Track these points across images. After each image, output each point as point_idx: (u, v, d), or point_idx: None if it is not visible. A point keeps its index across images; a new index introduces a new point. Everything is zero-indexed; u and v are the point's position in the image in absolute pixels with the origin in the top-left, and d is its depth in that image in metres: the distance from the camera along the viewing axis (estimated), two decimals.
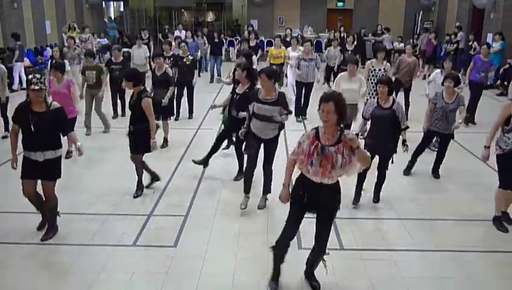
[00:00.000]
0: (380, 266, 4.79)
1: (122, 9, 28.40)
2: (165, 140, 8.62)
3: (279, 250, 4.28)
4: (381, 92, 5.95)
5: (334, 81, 13.67)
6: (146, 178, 6.64)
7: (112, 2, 28.04)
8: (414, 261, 4.88)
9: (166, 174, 7.07)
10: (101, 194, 6.48)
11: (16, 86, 13.70)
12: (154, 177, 6.70)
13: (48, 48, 17.35)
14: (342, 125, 3.93)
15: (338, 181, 4.04)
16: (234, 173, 7.22)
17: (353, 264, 4.79)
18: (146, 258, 4.87)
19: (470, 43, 16.06)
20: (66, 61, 10.47)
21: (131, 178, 6.98)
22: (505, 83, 13.89)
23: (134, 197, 6.33)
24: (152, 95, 7.87)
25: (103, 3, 25.24)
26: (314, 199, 4.03)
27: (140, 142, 6.24)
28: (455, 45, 16.88)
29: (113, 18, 26.59)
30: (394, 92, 10.20)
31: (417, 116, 9.46)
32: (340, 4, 23.32)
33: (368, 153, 4.02)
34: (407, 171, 7.32)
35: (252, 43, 13.77)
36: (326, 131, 3.94)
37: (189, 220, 5.72)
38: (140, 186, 6.48)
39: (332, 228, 5.46)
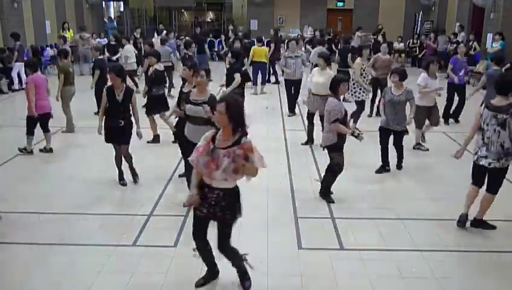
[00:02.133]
0: (380, 266, 4.78)
1: (122, 9, 28.42)
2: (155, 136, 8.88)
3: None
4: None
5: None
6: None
7: (111, 2, 28.06)
8: (414, 261, 4.87)
9: (166, 174, 7.06)
10: (101, 194, 6.48)
11: (16, 86, 13.71)
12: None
13: (48, 48, 17.37)
14: (242, 129, 3.83)
15: (235, 187, 3.99)
16: None
17: (353, 264, 4.79)
18: (146, 258, 4.87)
19: (470, 43, 16.07)
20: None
21: (131, 178, 6.99)
22: None
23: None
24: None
25: (103, 3, 25.25)
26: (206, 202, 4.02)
27: None
28: (455, 45, 16.88)
29: (113, 18, 26.60)
30: (371, 90, 10.35)
31: None
32: (340, 4, 23.34)
33: (259, 166, 3.87)
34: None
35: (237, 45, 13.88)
36: (222, 132, 3.90)
37: (189, 220, 5.70)
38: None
39: (332, 227, 5.52)
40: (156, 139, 8.82)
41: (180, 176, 6.91)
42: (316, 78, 8.38)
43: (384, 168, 7.31)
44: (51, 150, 8.19)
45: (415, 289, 4.41)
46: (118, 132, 6.49)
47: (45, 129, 8.15)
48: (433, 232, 5.53)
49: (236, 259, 4.29)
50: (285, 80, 10.97)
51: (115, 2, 28.55)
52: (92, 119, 10.25)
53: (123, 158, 6.74)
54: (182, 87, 6.67)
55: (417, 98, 7.88)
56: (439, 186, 6.88)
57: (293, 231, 5.46)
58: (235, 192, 4.04)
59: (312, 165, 7.60)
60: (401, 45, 19.11)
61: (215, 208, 3.98)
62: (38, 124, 8.02)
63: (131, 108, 6.54)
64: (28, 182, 6.92)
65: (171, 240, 5.21)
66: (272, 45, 15.41)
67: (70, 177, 7.25)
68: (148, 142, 8.61)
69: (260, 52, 13.35)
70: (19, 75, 13.82)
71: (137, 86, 13.45)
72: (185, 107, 5.79)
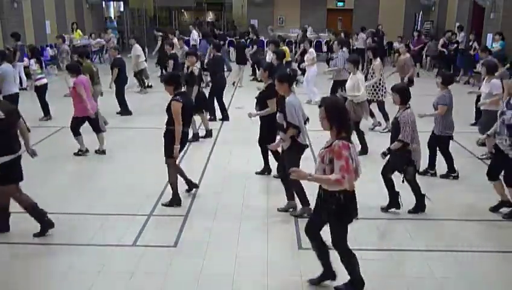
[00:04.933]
0: (380, 266, 4.79)
1: (122, 9, 28.41)
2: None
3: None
4: (393, 99, 5.90)
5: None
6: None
7: (111, 2, 28.05)
8: (414, 261, 4.88)
9: (166, 175, 7.06)
10: (101, 194, 6.48)
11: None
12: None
13: (48, 48, 17.38)
14: (344, 134, 3.82)
15: (334, 191, 3.84)
16: (234, 173, 7.24)
17: None
18: (146, 258, 4.87)
19: (471, 43, 16.08)
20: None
21: (131, 178, 7.01)
22: None
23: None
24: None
25: (103, 3, 25.24)
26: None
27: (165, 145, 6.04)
28: (455, 45, 16.89)
29: (113, 18, 26.60)
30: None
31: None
32: (340, 4, 23.34)
33: (333, 178, 3.73)
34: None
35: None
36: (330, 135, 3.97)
37: (189, 220, 5.73)
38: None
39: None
40: (208, 134, 9.06)
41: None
42: (347, 83, 8.33)
43: (427, 171, 7.22)
44: (104, 152, 8.13)
45: (415, 289, 4.41)
46: None
47: (97, 130, 8.14)
48: (433, 232, 5.53)
49: (348, 259, 4.20)
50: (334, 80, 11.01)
51: (115, 2, 28.54)
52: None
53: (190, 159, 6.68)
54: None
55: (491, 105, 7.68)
56: (439, 186, 6.88)
57: (293, 231, 5.45)
58: (334, 197, 3.87)
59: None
60: (401, 45, 19.07)
61: (319, 208, 4.08)
62: (90, 126, 8.06)
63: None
64: (26, 183, 6.90)
65: (171, 240, 5.21)
66: (302, 45, 15.20)
67: (70, 177, 7.26)
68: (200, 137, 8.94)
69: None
70: (19, 75, 13.82)
71: (145, 86, 13.47)
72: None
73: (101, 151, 8.11)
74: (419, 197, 5.93)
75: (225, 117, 10.44)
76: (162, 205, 6.11)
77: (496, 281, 4.58)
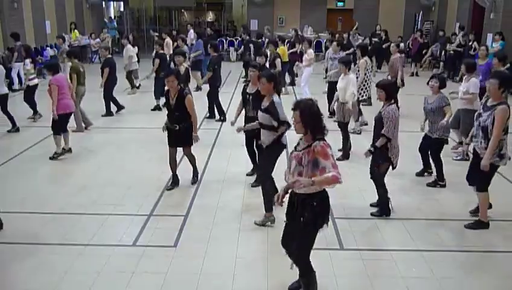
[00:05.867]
0: (380, 266, 4.79)
1: (122, 9, 28.41)
2: None
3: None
4: (378, 96, 5.86)
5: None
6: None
7: (111, 2, 28.03)
8: (414, 261, 4.87)
9: (166, 174, 7.06)
10: (101, 193, 6.48)
11: (16, 86, 13.72)
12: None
13: (48, 48, 17.37)
14: (319, 133, 3.74)
15: (312, 193, 3.74)
16: (235, 173, 7.23)
17: (353, 264, 4.79)
18: (146, 258, 4.87)
19: (470, 43, 16.07)
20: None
21: (131, 178, 7.01)
22: None
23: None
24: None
25: (103, 3, 25.25)
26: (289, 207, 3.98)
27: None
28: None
29: (113, 18, 26.60)
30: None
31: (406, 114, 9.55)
32: (340, 4, 23.32)
33: (330, 175, 3.58)
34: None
35: None
36: (303, 138, 3.86)
37: (189, 220, 5.73)
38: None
39: (332, 228, 5.52)
40: None
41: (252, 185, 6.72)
42: (338, 83, 8.24)
43: (424, 171, 7.18)
44: (70, 150, 8.07)
45: (415, 289, 4.41)
46: (175, 135, 6.45)
47: (64, 129, 8.06)
48: (433, 232, 5.53)
49: (308, 276, 4.06)
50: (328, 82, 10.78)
51: (115, 2, 28.52)
52: (100, 121, 10.28)
53: (187, 159, 6.81)
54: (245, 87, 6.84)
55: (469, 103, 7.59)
56: (438, 187, 6.87)
57: None
58: (314, 199, 3.77)
59: None
60: (401, 45, 19.07)
61: (293, 215, 3.91)
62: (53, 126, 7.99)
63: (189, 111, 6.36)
64: (27, 182, 6.92)
65: (171, 240, 5.21)
66: (297, 45, 15.03)
67: (70, 176, 7.25)
68: None
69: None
70: (18, 75, 13.84)
71: (133, 87, 13.46)
72: (258, 115, 5.71)
73: (66, 150, 8.01)
74: (384, 201, 5.87)
75: (212, 116, 10.53)
76: (167, 189, 6.59)
77: (494, 282, 4.58)
